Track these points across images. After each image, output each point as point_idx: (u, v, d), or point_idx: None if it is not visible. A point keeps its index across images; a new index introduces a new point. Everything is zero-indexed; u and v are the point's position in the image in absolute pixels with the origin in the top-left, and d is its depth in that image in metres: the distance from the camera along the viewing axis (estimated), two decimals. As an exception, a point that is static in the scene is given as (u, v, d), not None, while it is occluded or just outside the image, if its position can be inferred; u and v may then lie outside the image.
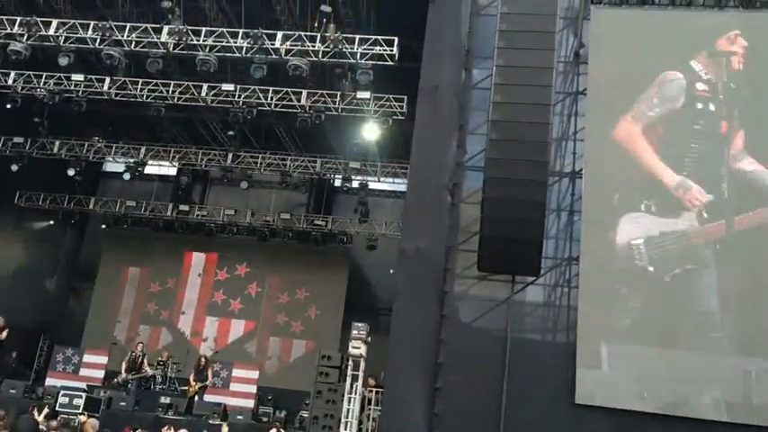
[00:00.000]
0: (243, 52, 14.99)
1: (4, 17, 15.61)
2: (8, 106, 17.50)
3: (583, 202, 11.71)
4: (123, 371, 16.20)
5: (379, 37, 14.57)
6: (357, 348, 12.99)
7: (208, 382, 15.85)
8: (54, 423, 9.34)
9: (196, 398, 15.35)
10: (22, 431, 4.55)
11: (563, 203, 12.04)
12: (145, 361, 16.40)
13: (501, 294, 11.61)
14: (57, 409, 12.56)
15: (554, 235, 11.92)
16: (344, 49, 14.60)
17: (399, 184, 20.85)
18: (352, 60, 14.74)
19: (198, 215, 22.60)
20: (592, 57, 12.36)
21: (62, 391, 13.26)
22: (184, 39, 14.95)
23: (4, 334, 15.76)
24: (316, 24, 14.97)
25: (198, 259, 23.69)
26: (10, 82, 17.18)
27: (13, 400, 13.12)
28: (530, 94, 10.86)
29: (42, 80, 17.25)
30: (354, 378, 13.00)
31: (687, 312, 11.16)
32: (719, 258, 11.25)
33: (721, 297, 11.09)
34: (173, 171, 23.72)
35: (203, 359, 16.46)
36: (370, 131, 17.56)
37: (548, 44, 10.95)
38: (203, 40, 15.01)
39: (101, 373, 18.23)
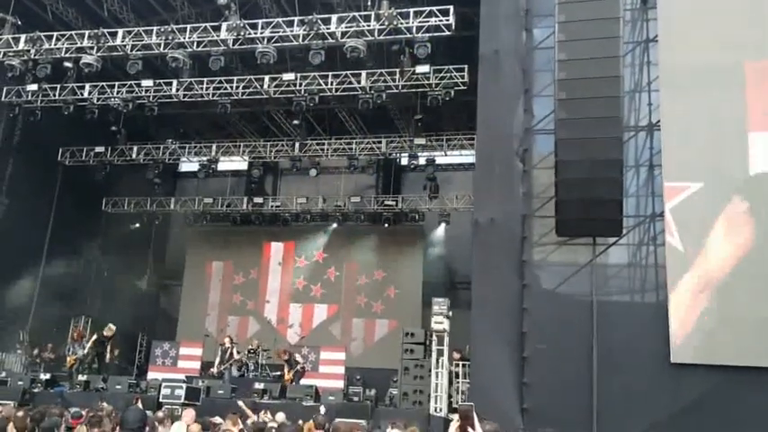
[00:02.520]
0: (300, 40, 15.08)
1: (73, 32, 16.30)
2: (87, 117, 18.36)
3: (663, 155, 11.17)
4: (216, 365, 16.87)
5: (433, 8, 14.33)
6: (440, 323, 13.04)
7: (298, 367, 16.23)
8: (160, 414, 9.80)
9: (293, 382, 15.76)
10: (131, 421, 4.81)
11: (641, 158, 11.55)
12: (234, 351, 16.99)
13: (582, 258, 11.30)
14: (160, 400, 13.17)
15: (634, 192, 11.46)
16: (400, 25, 14.44)
17: (467, 156, 20.56)
18: (409, 35, 14.57)
19: (272, 206, 23.11)
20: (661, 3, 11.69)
21: (163, 383, 13.87)
22: (242, 33, 15.19)
23: (110, 339, 16.84)
24: (369, 3, 14.87)
25: (276, 249, 24.28)
26: (86, 94, 18.01)
27: (119, 396, 13.88)
28: (597, 48, 10.45)
29: (115, 89, 18.00)
30: (440, 353, 13.06)
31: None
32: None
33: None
34: (244, 165, 24.29)
35: (284, 355, 16.75)
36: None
37: (612, -8, 10.49)
38: (261, 33, 15.20)
39: (197, 364, 19.09)
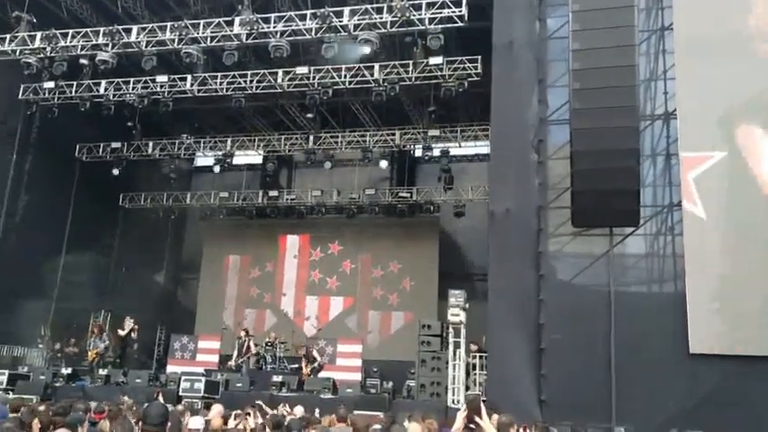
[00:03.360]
0: (312, 33, 15.08)
1: (88, 29, 16.41)
2: (103, 113, 18.51)
3: (679, 144, 11.06)
4: (234, 358, 17.00)
5: (446, -1, 14.26)
6: (456, 315, 13.04)
7: (316, 364, 16.31)
8: (180, 407, 9.90)
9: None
10: (153, 416, 4.85)
11: (658, 147, 11.44)
12: (251, 344, 17.10)
13: (599, 249, 11.25)
14: (180, 393, 13.30)
15: (651, 182, 11.37)
16: (412, 17, 14.38)
17: (482, 147, 20.48)
18: (421, 27, 14.51)
19: (287, 199, 23.20)
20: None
21: (183, 377, 14.01)
22: (256, 28, 15.21)
23: (134, 333, 17.06)
24: (381, -5, 14.83)
25: (292, 241, 24.38)
26: (102, 91, 18.16)
27: (140, 389, 14.06)
28: (611, 37, 10.36)
29: (130, 86, 18.14)
30: (456, 345, 13.07)
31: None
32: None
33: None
34: (259, 159, 24.38)
35: (309, 350, 16.80)
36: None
37: (626, -19, 10.38)
38: (274, 27, 15.21)
39: (215, 358, 19.25)
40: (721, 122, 10.94)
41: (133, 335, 17.37)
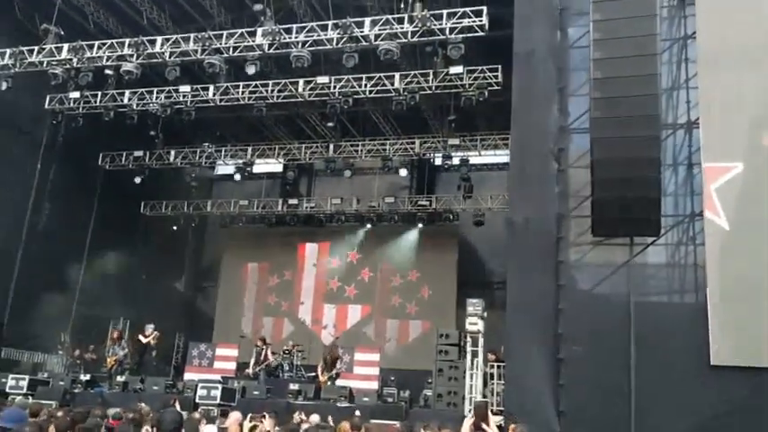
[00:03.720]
0: (334, 43, 15.19)
1: (114, 41, 16.70)
2: (127, 122, 18.81)
3: (702, 153, 10.94)
4: (251, 366, 17.00)
5: (466, 9, 14.31)
6: (474, 324, 12.96)
7: (333, 372, 16.17)
8: (196, 415, 9.94)
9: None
10: (168, 423, 4.89)
11: (680, 157, 11.32)
12: (268, 352, 17.11)
13: (620, 258, 11.10)
14: (196, 401, 13.36)
15: (672, 191, 11.24)
16: (433, 26, 14.44)
17: (502, 156, 20.44)
18: (442, 36, 14.56)
19: (307, 207, 23.33)
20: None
21: (200, 384, 14.06)
22: (277, 38, 15.36)
23: (152, 339, 17.20)
24: (402, 5, 14.91)
25: (311, 249, 24.48)
26: (126, 101, 18.46)
27: (156, 396, 14.14)
28: (633, 46, 10.27)
29: (154, 95, 18.45)
30: (474, 354, 12.99)
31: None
32: None
33: None
34: (279, 168, 24.59)
35: (333, 354, 16.34)
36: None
37: (648, -11, 10.32)
38: (295, 37, 15.36)
39: (233, 365, 19.32)
40: (745, 132, 10.81)
41: (152, 342, 17.52)
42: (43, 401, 12.44)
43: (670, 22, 11.59)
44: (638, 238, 11.01)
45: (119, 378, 16.16)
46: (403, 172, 22.41)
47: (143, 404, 11.42)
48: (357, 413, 11.18)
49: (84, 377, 16.16)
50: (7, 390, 14.27)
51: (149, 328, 17.42)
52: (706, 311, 10.35)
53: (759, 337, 10.18)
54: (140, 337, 17.51)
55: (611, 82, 10.43)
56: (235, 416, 8.57)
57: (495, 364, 14.17)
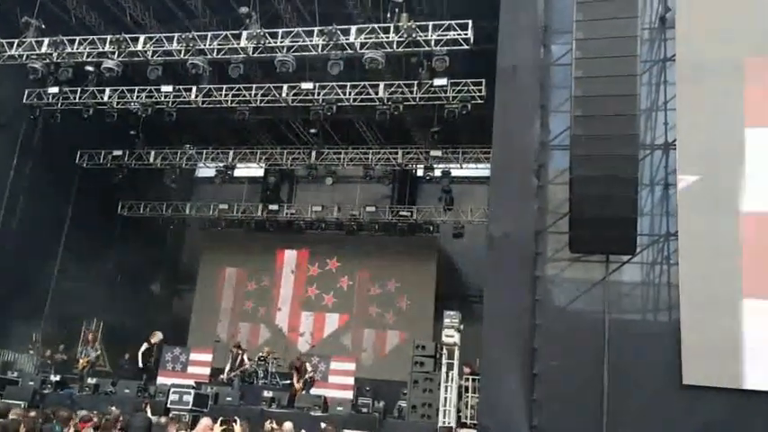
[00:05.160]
0: (319, 50, 15.19)
1: (95, 37, 16.52)
2: (107, 121, 18.59)
3: (677, 174, 11.08)
4: (226, 372, 16.82)
5: (452, 22, 14.40)
6: (450, 337, 12.96)
7: (307, 376, 16.12)
8: (164, 419, 9.80)
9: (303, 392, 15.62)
10: (136, 428, 4.81)
11: (656, 177, 11.46)
12: (245, 357, 16.95)
13: (595, 276, 11.20)
14: (168, 405, 13.19)
15: (648, 211, 11.37)
16: (418, 38, 14.52)
17: (483, 170, 20.55)
18: (427, 48, 14.65)
19: (287, 213, 23.19)
20: (680, 20, 11.62)
21: (172, 389, 13.89)
22: (262, 42, 15.33)
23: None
24: (388, 15, 14.95)
25: (290, 256, 24.34)
26: (106, 98, 18.26)
27: (128, 400, 13.94)
28: (614, 66, 10.41)
29: (135, 94, 18.25)
30: (449, 366, 12.98)
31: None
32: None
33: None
34: (260, 172, 24.46)
35: (297, 361, 16.59)
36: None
37: (630, 11, 10.46)
38: (281, 42, 15.32)
39: (207, 371, 19.12)
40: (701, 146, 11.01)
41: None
42: (13, 401, 12.23)
43: (650, 44, 11.75)
44: (614, 255, 11.12)
45: (89, 380, 15.89)
46: (385, 182, 22.39)
47: (113, 408, 11.25)
48: (322, 425, 11.04)
49: (55, 378, 15.87)
50: (-26, 389, 13.99)
51: (158, 334, 16.89)
52: (679, 331, 10.46)
53: (729, 359, 10.30)
54: (147, 342, 16.69)
55: (592, 101, 10.55)
56: (204, 422, 8.46)
57: (471, 377, 14.18)
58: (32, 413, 8.66)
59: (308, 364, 16.59)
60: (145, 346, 16.30)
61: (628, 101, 10.34)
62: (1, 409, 7.96)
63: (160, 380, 18.65)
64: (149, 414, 10.71)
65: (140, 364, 15.99)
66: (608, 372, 10.60)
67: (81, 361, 16.76)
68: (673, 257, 10.97)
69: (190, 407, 13.05)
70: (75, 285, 20.17)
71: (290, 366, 16.69)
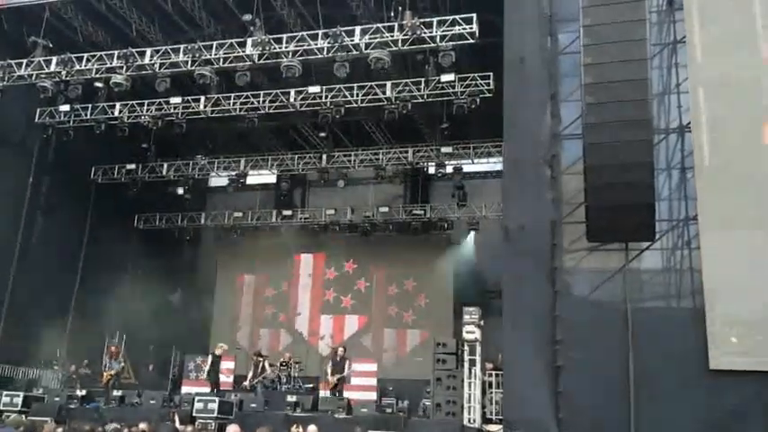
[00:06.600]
0: (324, 53, 15.17)
1: (103, 53, 16.64)
2: (118, 135, 18.72)
3: (695, 157, 10.93)
4: (248, 380, 16.80)
5: (457, 16, 14.31)
6: (471, 333, 12.94)
7: (345, 374, 15.84)
8: (190, 428, 9.84)
9: (327, 393, 15.33)
10: (163, 437, 4.84)
11: (673, 161, 11.32)
12: (266, 364, 16.94)
13: (615, 264, 11.10)
14: (193, 414, 13.22)
15: (666, 196, 11.23)
16: (423, 34, 14.44)
17: (495, 164, 20.43)
18: (433, 44, 14.56)
19: (301, 218, 23.22)
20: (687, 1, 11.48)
21: (197, 398, 13.91)
22: (268, 48, 15.34)
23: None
24: (392, 14, 14.91)
25: (306, 261, 24.38)
26: (116, 113, 18.39)
27: (154, 410, 14.00)
28: (623, 51, 10.31)
29: (144, 107, 18.37)
30: (472, 363, 12.94)
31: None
32: None
33: None
34: (272, 179, 24.49)
35: (340, 350, 16.13)
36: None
37: (637, -6, 10.36)
38: (285, 47, 15.34)
39: (230, 378, 19.15)
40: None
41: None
42: (39, 418, 12.34)
43: (659, 27, 11.62)
44: (633, 243, 10.99)
45: (115, 393, 15.98)
46: (397, 182, 22.30)
47: (143, 425, 11.24)
48: (357, 429, 10.98)
49: (80, 392, 15.97)
50: (1, 407, 14.12)
51: (222, 345, 16.79)
52: (704, 316, 10.32)
53: (757, 342, 10.15)
54: (214, 353, 16.42)
55: (603, 87, 10.47)
56: (233, 429, 8.47)
57: (493, 372, 14.10)
58: (59, 430, 8.73)
59: (346, 364, 15.85)
60: (210, 358, 16.19)
61: (639, 85, 10.24)
62: (28, 427, 8.03)
63: (184, 389, 18.75)
64: (177, 424, 10.77)
65: (210, 379, 15.84)
66: (633, 360, 10.48)
67: (105, 374, 16.84)
68: (693, 242, 10.82)
69: (215, 414, 13.06)
70: (96, 300, 20.30)
71: (336, 356, 15.94)
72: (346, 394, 15.79)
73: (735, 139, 10.82)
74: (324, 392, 15.96)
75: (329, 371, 15.72)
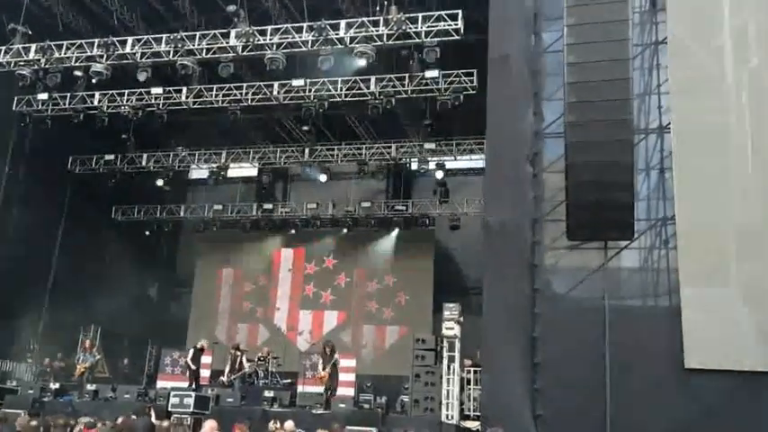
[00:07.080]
0: (309, 46, 15.08)
1: (83, 41, 16.37)
2: (98, 125, 18.45)
3: (673, 158, 11.04)
4: (225, 375, 16.65)
5: (442, 12, 14.31)
6: (451, 329, 12.91)
7: (335, 359, 15.38)
8: (166, 423, 9.72)
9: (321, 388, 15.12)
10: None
11: (652, 162, 11.43)
12: (243, 359, 16.79)
13: (594, 262, 11.20)
14: (169, 409, 13.08)
15: (645, 195, 11.34)
16: (408, 30, 14.41)
17: (477, 161, 20.50)
18: (417, 40, 14.54)
19: (282, 212, 23.09)
20: (670, 2, 11.57)
21: (172, 392, 13.76)
22: (252, 40, 15.19)
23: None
24: (377, 8, 14.85)
25: (286, 255, 24.25)
26: (96, 103, 18.12)
27: (129, 404, 13.83)
28: (606, 51, 10.37)
29: (125, 97, 18.12)
30: (451, 359, 12.93)
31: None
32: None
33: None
34: (254, 172, 24.33)
35: (329, 345, 15.66)
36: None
37: (620, -5, 10.42)
38: (270, 39, 15.20)
39: (207, 373, 18.97)
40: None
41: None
42: (12, 410, 12.14)
43: (642, 28, 11.71)
44: (612, 242, 11.08)
45: (89, 386, 15.78)
46: (379, 177, 22.24)
47: (121, 419, 11.09)
48: (336, 423, 10.94)
49: (54, 385, 15.76)
50: (-27, 399, 13.88)
51: (204, 341, 16.56)
52: (680, 315, 10.44)
53: (732, 341, 10.28)
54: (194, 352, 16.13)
55: (585, 86, 10.52)
56: (210, 424, 8.37)
57: (472, 369, 14.12)
58: (33, 422, 8.58)
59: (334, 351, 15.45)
60: (191, 351, 16.07)
61: (621, 85, 10.31)
62: (1, 419, 7.90)
63: (160, 383, 18.56)
64: (153, 419, 10.64)
65: (192, 367, 15.71)
66: (609, 358, 10.57)
67: (78, 367, 16.63)
68: (671, 241, 10.94)
69: (191, 410, 12.93)
70: (72, 292, 20.02)
71: (325, 346, 15.60)
72: (321, 389, 15.59)
73: (708, 142, 10.93)
74: (312, 388, 15.80)
75: (320, 366, 15.30)
